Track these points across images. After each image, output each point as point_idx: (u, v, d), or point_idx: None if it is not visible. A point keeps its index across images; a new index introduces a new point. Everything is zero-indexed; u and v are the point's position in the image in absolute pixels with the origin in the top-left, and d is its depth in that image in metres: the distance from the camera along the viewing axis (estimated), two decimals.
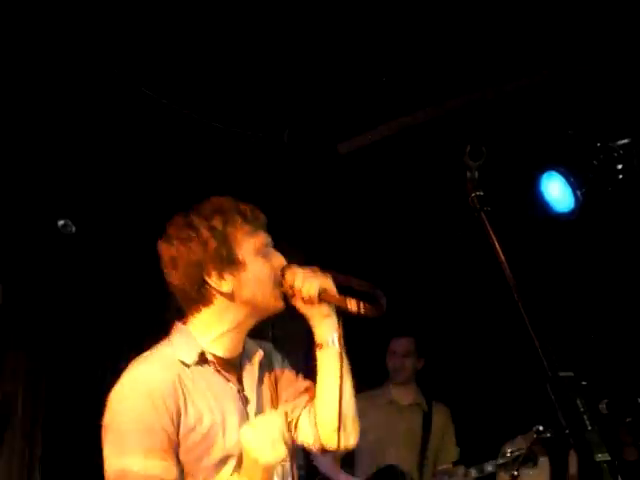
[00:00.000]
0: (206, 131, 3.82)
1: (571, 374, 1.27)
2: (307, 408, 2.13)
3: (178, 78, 3.63)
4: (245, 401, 2.00)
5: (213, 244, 1.95)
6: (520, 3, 3.37)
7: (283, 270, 1.99)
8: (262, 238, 2.01)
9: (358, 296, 1.93)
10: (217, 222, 1.97)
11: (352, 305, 1.92)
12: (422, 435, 4.41)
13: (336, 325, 2.04)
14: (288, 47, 3.50)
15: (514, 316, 1.40)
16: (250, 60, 3.56)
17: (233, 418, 1.94)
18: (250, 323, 2.02)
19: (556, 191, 3.84)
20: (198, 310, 1.99)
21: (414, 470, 4.31)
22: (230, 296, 1.95)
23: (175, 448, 1.84)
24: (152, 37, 3.38)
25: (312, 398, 2.12)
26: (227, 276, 1.94)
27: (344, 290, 1.98)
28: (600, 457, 1.21)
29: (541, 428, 2.91)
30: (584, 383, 1.27)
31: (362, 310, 1.90)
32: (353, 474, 4.30)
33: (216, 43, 3.46)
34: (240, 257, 1.96)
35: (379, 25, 3.44)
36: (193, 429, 1.86)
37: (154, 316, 4.71)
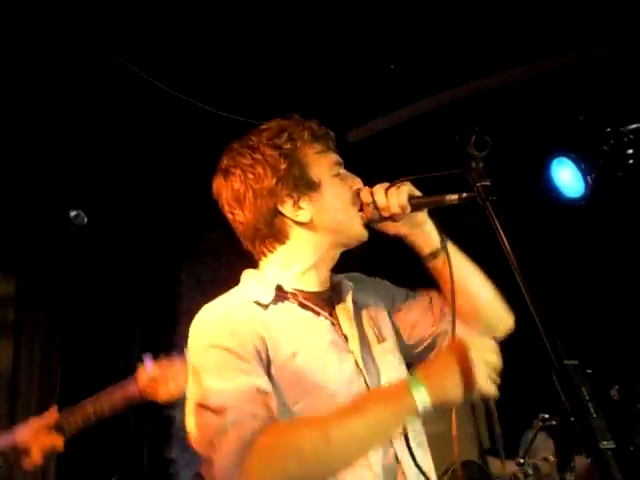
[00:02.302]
0: (214, 121, 3.83)
1: (576, 362, 1.27)
2: (435, 322, 1.83)
3: (186, 68, 3.63)
4: (344, 337, 1.70)
5: (284, 165, 1.68)
6: None
7: (357, 192, 1.73)
8: (335, 157, 1.77)
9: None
10: (283, 141, 1.71)
11: (450, 196, 1.64)
12: (473, 424, 4.35)
13: (435, 226, 1.77)
14: (296, 35, 3.50)
15: (521, 304, 1.41)
16: (259, 49, 3.56)
17: (332, 355, 1.65)
18: (333, 255, 1.75)
19: (566, 177, 3.83)
20: (272, 249, 1.72)
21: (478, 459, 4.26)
22: (309, 226, 1.70)
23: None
24: (161, 28, 3.38)
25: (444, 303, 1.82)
26: (304, 203, 1.69)
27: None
28: (605, 444, 1.21)
29: (547, 416, 2.92)
30: (589, 371, 1.27)
31: (464, 196, 1.59)
32: None
33: (224, 33, 3.46)
34: (316, 179, 1.70)
35: (385, 13, 3.43)
36: (285, 368, 1.58)
37: (165, 307, 4.76)
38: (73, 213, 3.98)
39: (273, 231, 1.70)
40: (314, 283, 1.73)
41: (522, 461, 3.06)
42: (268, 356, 1.57)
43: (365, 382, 1.66)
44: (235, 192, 1.71)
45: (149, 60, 3.53)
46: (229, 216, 1.74)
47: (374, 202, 1.70)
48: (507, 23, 3.55)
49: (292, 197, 1.68)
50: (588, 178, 3.71)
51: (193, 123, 3.92)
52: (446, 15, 3.49)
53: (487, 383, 1.45)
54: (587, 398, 1.25)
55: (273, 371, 1.57)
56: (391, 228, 1.76)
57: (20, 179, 3.96)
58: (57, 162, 3.99)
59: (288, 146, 1.70)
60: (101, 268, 4.31)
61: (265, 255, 1.73)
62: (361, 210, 1.72)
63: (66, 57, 3.41)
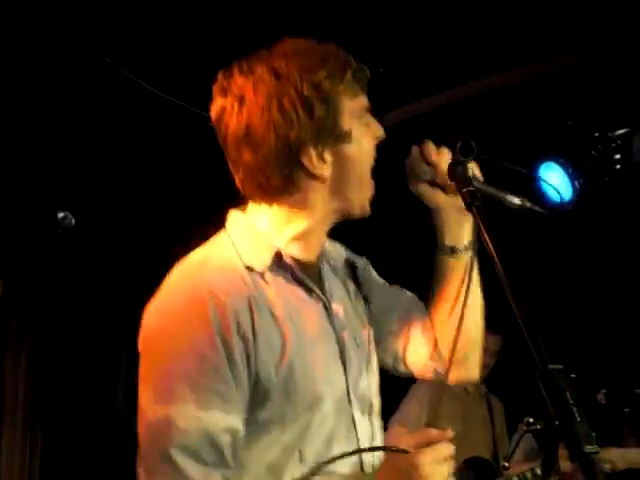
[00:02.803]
0: (206, 125, 3.81)
1: (561, 367, 1.28)
2: (420, 325, 1.69)
3: (177, 71, 3.63)
4: (334, 320, 1.51)
5: (320, 112, 1.39)
6: None
7: (416, 146, 1.55)
8: (366, 101, 1.50)
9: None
10: (323, 77, 1.40)
11: (512, 198, 1.48)
12: (491, 424, 4.33)
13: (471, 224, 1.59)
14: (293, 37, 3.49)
15: (506, 309, 1.41)
16: (251, 45, 3.55)
17: (321, 348, 1.46)
18: (329, 223, 1.53)
19: (554, 181, 3.84)
20: (275, 200, 1.46)
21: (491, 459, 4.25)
22: (326, 182, 1.45)
23: (244, 391, 1.34)
24: (151, 30, 3.38)
25: (424, 312, 1.70)
26: (328, 155, 1.43)
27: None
28: (589, 449, 1.22)
29: (531, 420, 2.92)
30: (573, 376, 1.28)
31: (527, 204, 1.46)
32: None
33: (218, 37, 3.45)
34: (347, 129, 1.44)
35: (374, 17, 3.44)
36: (270, 364, 1.36)
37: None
38: (60, 215, 3.96)
39: (285, 183, 1.43)
40: (308, 250, 1.50)
41: (507, 465, 3.08)
42: (255, 347, 1.35)
43: (346, 382, 1.49)
44: (251, 128, 1.40)
45: (139, 62, 3.53)
46: (233, 152, 1.46)
47: (435, 162, 1.54)
48: (494, 28, 3.56)
49: (317, 147, 1.42)
50: (576, 183, 3.72)
51: (184, 125, 3.91)
52: (434, 20, 3.50)
53: None
54: (571, 402, 1.25)
55: (256, 368, 1.35)
56: (434, 197, 1.60)
57: (7, 180, 3.94)
58: (45, 162, 3.97)
59: (327, 87, 1.40)
60: (89, 271, 4.30)
61: (263, 202, 1.48)
62: (409, 166, 1.56)
63: (53, 60, 3.40)
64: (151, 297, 1.45)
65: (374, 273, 1.74)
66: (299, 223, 1.47)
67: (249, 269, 1.42)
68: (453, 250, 1.63)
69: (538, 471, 3.50)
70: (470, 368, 1.70)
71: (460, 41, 3.62)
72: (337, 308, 1.53)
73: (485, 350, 4.41)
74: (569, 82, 3.81)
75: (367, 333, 1.62)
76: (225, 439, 1.32)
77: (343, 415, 1.46)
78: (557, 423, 1.26)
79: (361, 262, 1.72)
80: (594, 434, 1.23)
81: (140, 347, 1.42)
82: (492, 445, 4.21)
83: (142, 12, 3.24)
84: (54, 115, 3.74)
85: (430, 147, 1.56)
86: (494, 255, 1.37)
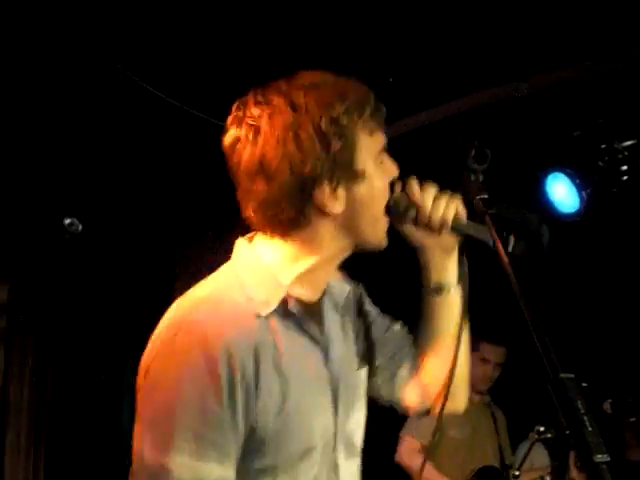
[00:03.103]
0: (212, 131, 3.83)
1: (572, 376, 1.28)
2: (408, 359, 1.69)
3: (184, 76, 3.64)
4: (330, 364, 1.49)
5: (336, 146, 1.36)
6: (522, 4, 3.38)
7: (400, 183, 1.49)
8: (383, 140, 1.47)
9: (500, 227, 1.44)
10: (341, 113, 1.37)
11: (497, 238, 1.39)
12: (496, 433, 4.31)
13: (457, 262, 1.58)
14: (295, 46, 3.51)
15: (517, 317, 1.41)
16: (256, 58, 3.57)
17: (318, 394, 1.45)
18: (340, 258, 1.50)
19: (561, 192, 3.85)
20: (285, 232, 1.43)
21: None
22: (336, 220, 1.42)
23: (239, 441, 1.34)
24: (155, 33, 3.38)
25: (411, 346, 1.70)
26: (341, 192, 1.40)
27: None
28: (600, 458, 1.22)
29: (542, 429, 2.92)
30: (585, 385, 1.28)
31: (512, 247, 1.39)
32: None
33: (218, 41, 3.46)
34: (362, 166, 1.41)
35: (381, 26, 3.45)
36: (269, 413, 1.35)
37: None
38: (67, 221, 3.98)
39: (297, 217, 1.40)
40: (313, 289, 1.49)
41: (517, 473, 3.07)
42: (257, 396, 1.34)
43: (335, 426, 1.48)
44: (265, 159, 1.37)
45: (146, 69, 3.54)
46: (244, 181, 1.42)
47: (418, 202, 1.49)
48: (502, 39, 3.57)
49: (331, 183, 1.38)
50: (583, 194, 3.72)
51: (190, 131, 3.92)
52: (441, 30, 3.51)
53: None
54: (582, 411, 1.25)
55: (255, 417, 1.35)
56: (414, 235, 1.55)
57: (14, 186, 3.96)
58: (52, 168, 3.98)
59: (345, 122, 1.37)
60: (95, 276, 4.31)
61: (274, 235, 1.45)
62: (392, 205, 1.48)
63: (62, 68, 3.41)
64: (158, 304, 1.45)
65: (368, 302, 1.72)
66: (307, 260, 1.45)
67: (257, 315, 1.40)
68: (438, 290, 1.61)
69: (548, 479, 3.50)
70: (458, 401, 1.69)
71: (468, 53, 3.63)
72: (335, 352, 1.51)
73: (491, 362, 4.38)
74: (576, 93, 3.81)
75: (361, 372, 1.62)
76: None
77: (327, 460, 1.47)
78: (568, 432, 1.25)
79: (358, 293, 1.69)
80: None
81: (141, 382, 1.40)
82: (499, 453, 4.20)
83: (158, 23, 3.26)
84: (62, 122, 3.75)
85: (413, 185, 1.50)
86: (506, 263, 1.36)
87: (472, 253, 1.61)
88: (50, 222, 4.10)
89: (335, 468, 1.48)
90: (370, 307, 1.71)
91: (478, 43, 3.58)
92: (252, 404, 1.33)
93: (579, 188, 3.74)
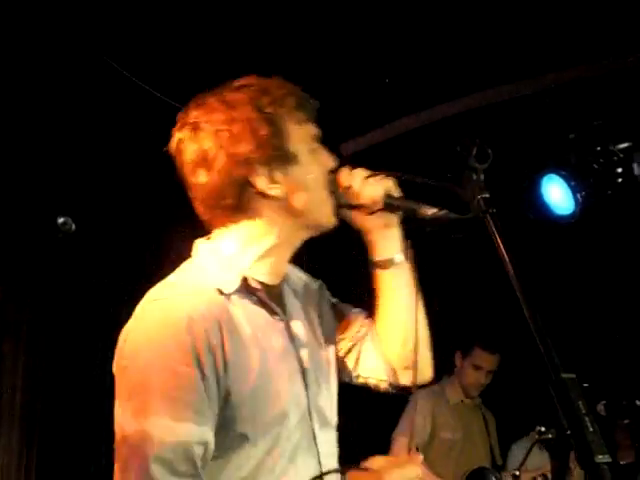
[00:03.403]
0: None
1: (573, 376, 1.28)
2: (370, 339, 1.77)
3: (178, 75, 3.63)
4: (294, 340, 1.59)
5: (264, 131, 1.50)
6: (516, 6, 3.38)
7: (334, 172, 1.60)
8: (314, 129, 1.60)
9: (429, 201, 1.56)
10: (266, 103, 1.51)
11: (425, 210, 1.54)
12: (487, 434, 4.31)
13: (401, 237, 1.69)
14: (292, 45, 3.50)
15: (517, 318, 1.41)
16: (253, 58, 3.56)
17: (283, 366, 1.54)
18: (297, 241, 1.61)
19: (556, 194, 3.85)
20: (234, 221, 1.55)
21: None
22: (279, 203, 1.53)
23: (214, 406, 1.42)
24: (150, 31, 3.38)
25: (371, 327, 1.78)
26: (278, 176, 1.52)
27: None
28: (601, 458, 1.22)
29: (543, 429, 2.92)
30: (585, 385, 1.28)
31: (440, 215, 1.51)
32: None
33: (214, 39, 3.46)
34: (293, 151, 1.53)
35: (380, 26, 3.45)
36: (240, 380, 1.44)
37: None
38: (61, 220, 3.95)
39: (240, 202, 1.52)
40: (271, 272, 1.58)
41: (517, 473, 3.06)
42: (225, 364, 1.42)
43: (307, 397, 1.57)
44: (203, 151, 1.51)
45: (140, 66, 3.53)
46: (189, 177, 1.56)
47: (348, 185, 1.60)
48: (497, 42, 3.57)
49: (267, 168, 1.51)
50: (578, 196, 3.73)
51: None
52: (440, 31, 3.51)
53: None
54: (584, 412, 1.25)
55: (226, 384, 1.43)
56: (355, 217, 1.67)
57: (7, 185, 3.94)
58: (45, 167, 3.97)
59: (270, 110, 1.51)
60: (89, 276, 4.29)
61: (224, 226, 1.56)
62: (332, 191, 1.59)
63: (55, 65, 3.40)
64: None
65: (328, 294, 1.82)
66: (262, 243, 1.55)
67: (218, 291, 1.49)
68: (383, 263, 1.71)
69: (549, 477, 3.51)
70: (422, 369, 1.72)
71: (464, 54, 3.64)
72: (297, 329, 1.61)
73: (483, 369, 4.39)
74: (571, 96, 3.82)
75: (325, 354, 1.70)
76: (197, 451, 1.39)
77: (305, 429, 1.55)
78: (569, 432, 1.25)
79: (316, 285, 1.80)
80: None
81: (115, 369, 1.49)
82: (490, 454, 4.22)
83: (158, 23, 3.26)
84: (55, 120, 3.74)
85: (343, 172, 1.61)
86: (507, 263, 1.36)
87: (468, 260, 1.63)
88: (43, 221, 4.07)
89: (313, 436, 1.56)
90: (329, 297, 1.82)
91: (474, 45, 3.59)
92: (221, 371, 1.42)
93: (574, 190, 3.75)
